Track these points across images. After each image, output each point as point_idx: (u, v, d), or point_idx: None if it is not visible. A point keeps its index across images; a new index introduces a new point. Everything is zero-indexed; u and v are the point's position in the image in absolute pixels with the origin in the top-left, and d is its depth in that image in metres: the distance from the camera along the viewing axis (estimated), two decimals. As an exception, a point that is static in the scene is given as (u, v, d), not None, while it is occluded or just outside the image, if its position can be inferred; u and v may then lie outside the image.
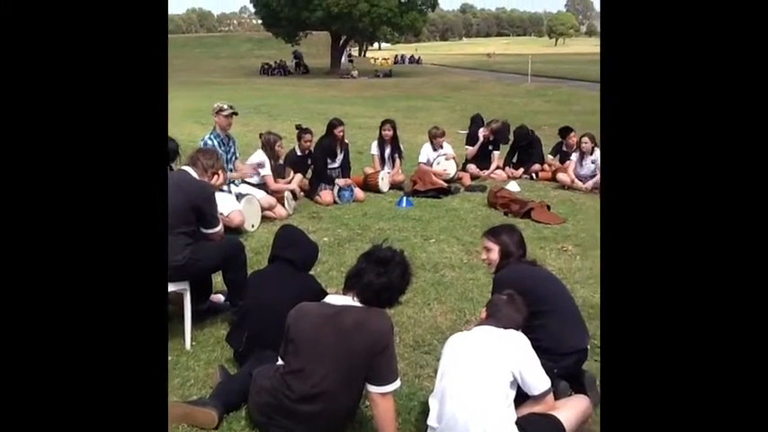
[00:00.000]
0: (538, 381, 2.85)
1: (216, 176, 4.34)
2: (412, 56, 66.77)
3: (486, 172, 9.50)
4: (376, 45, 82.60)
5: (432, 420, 2.89)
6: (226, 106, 6.88)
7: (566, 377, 3.26)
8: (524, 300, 3.13)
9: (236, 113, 6.99)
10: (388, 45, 79.00)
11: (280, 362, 3.03)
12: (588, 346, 3.64)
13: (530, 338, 2.96)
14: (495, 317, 3.01)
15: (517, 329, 3.03)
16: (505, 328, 2.96)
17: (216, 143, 6.70)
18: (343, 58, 49.08)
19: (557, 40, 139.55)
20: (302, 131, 8.15)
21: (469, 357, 2.85)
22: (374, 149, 8.98)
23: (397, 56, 63.39)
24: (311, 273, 4.06)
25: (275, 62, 45.26)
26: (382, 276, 2.87)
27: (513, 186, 8.78)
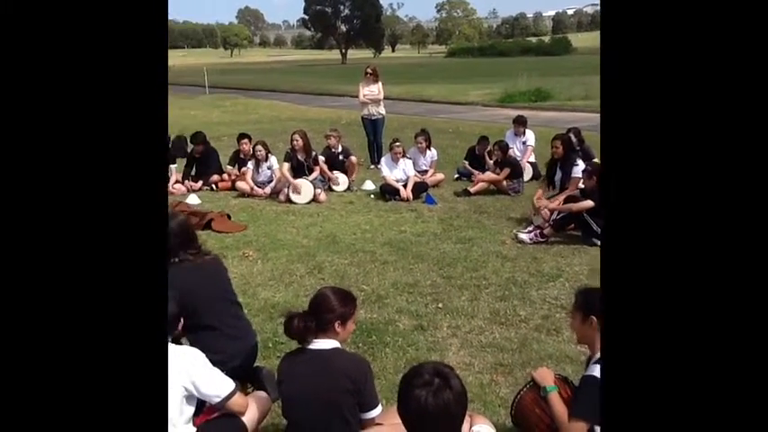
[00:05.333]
0: (216, 389, 2.86)
1: None
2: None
3: (165, 187, 9.25)
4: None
5: None
6: None
7: (237, 378, 3.31)
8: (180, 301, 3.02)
9: None
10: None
11: None
12: (257, 345, 3.74)
13: None
14: None
15: (176, 325, 2.98)
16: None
17: None
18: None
19: (232, 51, 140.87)
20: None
21: None
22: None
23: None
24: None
25: None
26: None
27: (192, 199, 8.69)
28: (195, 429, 2.83)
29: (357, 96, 11.43)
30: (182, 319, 3.02)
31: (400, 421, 2.14)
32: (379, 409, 2.80)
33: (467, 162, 9.78)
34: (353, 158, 9.57)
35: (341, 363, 2.78)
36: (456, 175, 9.82)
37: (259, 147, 9.07)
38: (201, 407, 2.95)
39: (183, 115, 21.07)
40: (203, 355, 2.90)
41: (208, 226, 7.21)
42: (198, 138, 9.78)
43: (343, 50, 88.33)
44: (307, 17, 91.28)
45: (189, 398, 2.80)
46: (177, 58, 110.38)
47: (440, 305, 4.98)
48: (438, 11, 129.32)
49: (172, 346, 2.91)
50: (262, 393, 3.24)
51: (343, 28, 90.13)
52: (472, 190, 8.71)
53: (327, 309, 2.79)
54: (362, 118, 11.10)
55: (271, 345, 4.30)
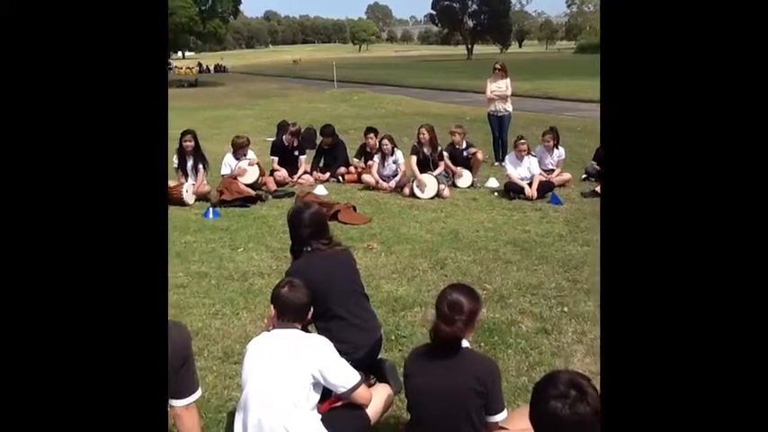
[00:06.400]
0: (343, 379, 2.92)
1: None
2: (218, 64, 65.39)
3: (294, 177, 9.59)
4: (180, 54, 79.94)
5: (237, 430, 2.88)
6: None
7: (360, 369, 3.36)
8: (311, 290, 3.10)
9: None
10: (193, 53, 76.78)
11: None
12: (382, 337, 3.78)
13: None
14: (282, 314, 3.02)
15: (307, 313, 3.08)
16: (294, 320, 3.01)
17: None
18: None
19: (360, 46, 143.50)
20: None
21: (268, 363, 2.87)
22: (175, 162, 8.71)
23: (201, 64, 61.72)
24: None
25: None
26: None
27: (320, 190, 8.95)
28: (320, 417, 2.91)
29: (482, 92, 11.32)
30: (311, 308, 3.11)
31: (525, 427, 2.09)
32: (504, 414, 2.75)
33: (595, 162, 9.44)
34: (480, 155, 9.48)
35: (470, 363, 2.75)
36: (584, 176, 9.50)
37: (385, 141, 9.19)
38: (325, 394, 3.02)
39: (312, 108, 21.74)
40: (331, 344, 2.98)
41: (334, 217, 7.40)
42: (327, 130, 10.06)
43: (470, 46, 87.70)
44: (434, 12, 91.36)
45: (315, 385, 2.88)
46: (306, 53, 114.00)
47: (565, 309, 4.84)
48: (568, 6, 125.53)
49: (301, 334, 3.01)
50: (385, 386, 3.28)
51: (471, 23, 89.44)
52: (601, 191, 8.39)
53: (461, 309, 2.76)
54: (489, 114, 10.98)
55: (393, 338, 4.34)
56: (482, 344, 4.24)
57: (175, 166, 8.70)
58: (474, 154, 9.37)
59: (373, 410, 3.03)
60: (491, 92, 10.74)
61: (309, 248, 3.59)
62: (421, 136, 8.96)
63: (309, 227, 3.61)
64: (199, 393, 2.82)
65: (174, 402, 2.74)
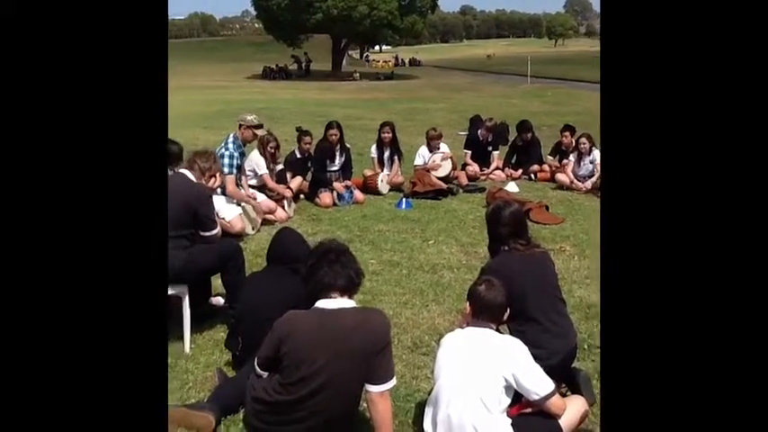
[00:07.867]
0: (537, 386, 2.83)
1: (213, 179, 4.38)
2: (413, 58, 66.89)
3: (486, 171, 9.52)
4: (377, 47, 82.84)
5: (427, 425, 2.89)
6: (249, 117, 6.86)
7: (553, 377, 3.21)
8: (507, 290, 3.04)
9: (260, 126, 6.97)
10: (389, 47, 79.23)
11: (259, 370, 3.04)
12: (577, 346, 3.62)
13: None
14: (478, 312, 2.98)
15: (503, 314, 3.02)
16: (489, 320, 2.96)
17: (237, 154, 6.62)
18: (345, 61, 49.21)
19: (556, 41, 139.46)
20: (302, 134, 8.22)
21: (461, 360, 2.84)
22: (373, 152, 9.01)
23: (397, 57, 63.54)
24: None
25: (277, 65, 45.28)
26: (347, 266, 2.96)
27: (512, 187, 8.81)
28: (509, 420, 2.84)
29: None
30: (508, 309, 3.04)
31: None
32: None
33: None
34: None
35: None
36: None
37: (583, 139, 8.86)
38: (515, 398, 2.94)
39: (505, 103, 21.49)
40: (526, 348, 2.89)
41: (526, 215, 7.22)
42: (525, 126, 9.88)
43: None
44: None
45: (507, 388, 2.81)
46: (501, 48, 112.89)
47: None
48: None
49: (496, 335, 2.96)
50: (579, 397, 3.13)
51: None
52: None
53: None
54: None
55: (585, 347, 4.15)
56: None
57: (373, 155, 8.98)
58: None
59: (567, 422, 2.90)
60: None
61: (507, 248, 3.52)
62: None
63: (508, 225, 3.54)
64: (394, 381, 2.87)
65: (370, 387, 2.81)
